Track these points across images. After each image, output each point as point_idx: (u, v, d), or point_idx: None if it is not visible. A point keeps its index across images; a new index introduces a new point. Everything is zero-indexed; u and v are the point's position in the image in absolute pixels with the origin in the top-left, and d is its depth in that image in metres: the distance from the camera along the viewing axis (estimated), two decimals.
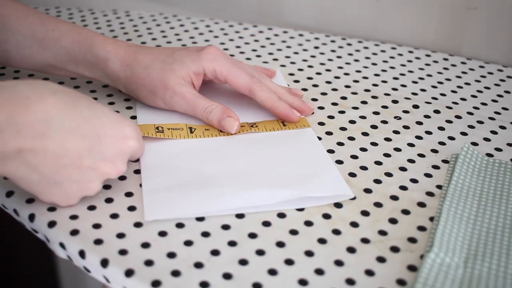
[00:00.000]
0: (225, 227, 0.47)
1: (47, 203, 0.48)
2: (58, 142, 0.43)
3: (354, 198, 0.50)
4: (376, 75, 0.71)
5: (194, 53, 0.59)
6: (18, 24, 0.60)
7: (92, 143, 0.45)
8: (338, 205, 0.49)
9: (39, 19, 0.61)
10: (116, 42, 0.61)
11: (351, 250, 0.45)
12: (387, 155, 0.56)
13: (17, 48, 0.61)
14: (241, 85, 0.59)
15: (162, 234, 0.46)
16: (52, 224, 0.47)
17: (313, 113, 0.62)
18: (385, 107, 0.64)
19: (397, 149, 0.57)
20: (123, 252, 0.44)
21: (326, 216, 0.48)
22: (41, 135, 0.43)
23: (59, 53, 0.61)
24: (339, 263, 0.44)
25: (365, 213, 0.49)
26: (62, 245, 0.46)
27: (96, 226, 0.46)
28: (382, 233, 0.47)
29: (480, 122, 0.62)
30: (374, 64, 0.74)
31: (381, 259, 0.44)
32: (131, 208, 0.48)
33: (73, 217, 0.47)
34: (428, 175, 0.53)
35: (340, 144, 0.57)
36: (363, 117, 0.62)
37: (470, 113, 0.63)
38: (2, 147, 0.42)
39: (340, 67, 0.73)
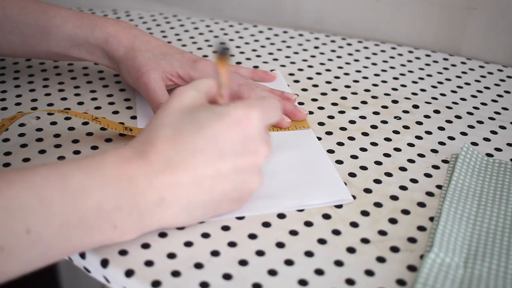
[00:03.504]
0: (225, 228, 0.47)
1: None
2: (189, 168, 0.42)
3: (354, 198, 0.50)
4: (376, 75, 0.71)
5: (187, 62, 0.61)
6: (21, 15, 0.61)
7: (216, 149, 0.42)
8: (338, 205, 0.49)
9: (40, 7, 0.62)
10: (118, 23, 0.62)
11: (351, 250, 0.45)
12: (387, 155, 0.56)
13: (22, 38, 0.62)
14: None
15: (162, 235, 0.46)
16: None
17: (312, 113, 0.62)
18: (385, 107, 0.64)
19: (397, 149, 0.57)
20: (123, 252, 0.44)
21: (326, 217, 0.48)
22: (171, 173, 0.41)
23: (62, 39, 0.62)
24: (339, 263, 0.44)
25: (365, 213, 0.49)
26: None
27: None
28: (382, 233, 0.47)
29: (480, 122, 0.61)
30: (374, 64, 0.74)
31: (381, 259, 0.44)
32: None
33: None
34: (428, 175, 0.53)
35: (340, 144, 0.57)
36: (363, 117, 0.62)
37: (470, 113, 0.63)
38: (144, 201, 0.41)
39: (340, 67, 0.73)
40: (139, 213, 0.41)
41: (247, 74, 0.67)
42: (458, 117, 0.62)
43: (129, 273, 0.42)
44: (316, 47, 0.78)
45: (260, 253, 0.44)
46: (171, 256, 0.44)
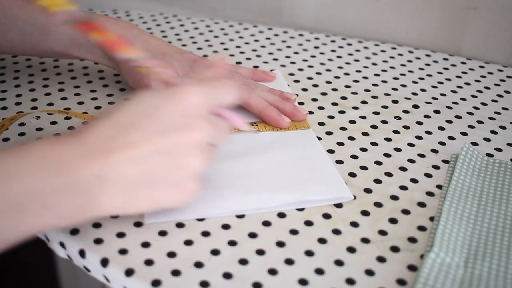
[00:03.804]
0: (225, 226, 0.47)
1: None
2: (127, 145, 0.41)
3: (354, 198, 0.50)
4: (376, 75, 0.71)
5: (187, 62, 0.60)
6: (20, 12, 0.61)
7: (155, 124, 0.41)
8: (338, 205, 0.49)
9: None
10: (117, 23, 0.62)
11: (351, 250, 0.45)
12: (387, 155, 0.56)
13: (21, 36, 0.62)
14: None
15: (162, 233, 0.46)
16: None
17: (313, 113, 0.62)
18: (385, 107, 0.64)
19: (397, 149, 0.57)
20: (123, 251, 0.44)
21: (326, 216, 0.48)
22: (108, 151, 0.40)
23: (62, 38, 0.61)
24: (339, 263, 0.44)
25: (365, 213, 0.49)
26: (62, 245, 0.46)
27: (96, 225, 0.46)
28: (382, 233, 0.47)
29: (480, 122, 0.62)
30: (374, 64, 0.74)
31: (381, 259, 0.44)
32: None
33: None
34: (428, 175, 0.53)
35: (340, 144, 0.57)
36: (363, 117, 0.62)
37: (470, 113, 0.63)
38: (80, 180, 0.39)
39: (340, 67, 0.73)
40: (76, 193, 0.39)
41: (247, 74, 0.66)
42: (458, 117, 0.62)
43: (129, 272, 0.42)
44: (316, 47, 0.78)
45: (260, 252, 0.44)
46: (171, 255, 0.44)
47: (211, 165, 0.45)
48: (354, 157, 0.55)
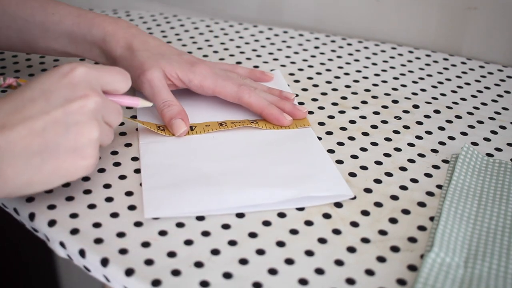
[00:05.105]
0: (225, 226, 0.47)
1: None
2: (19, 119, 0.42)
3: (354, 198, 0.50)
4: (376, 75, 0.71)
5: (185, 65, 0.60)
6: (18, 10, 0.61)
7: (44, 98, 0.44)
8: (338, 205, 0.49)
9: (38, 3, 0.61)
10: (116, 22, 0.62)
11: (351, 250, 0.45)
12: (387, 155, 0.56)
13: (19, 34, 0.62)
14: (229, 95, 0.60)
15: (162, 233, 0.46)
16: (52, 223, 0.47)
17: (313, 112, 0.62)
18: (385, 107, 0.64)
19: (397, 149, 0.57)
20: (123, 251, 0.44)
21: (326, 216, 0.48)
22: (8, 125, 0.42)
23: (60, 36, 0.61)
24: (339, 262, 0.44)
25: (365, 213, 0.49)
26: (62, 244, 0.46)
27: (96, 225, 0.46)
28: (382, 233, 0.47)
29: (480, 122, 0.62)
30: (374, 64, 0.74)
31: (381, 259, 0.44)
32: (131, 207, 0.48)
33: (73, 216, 0.47)
34: (428, 175, 0.53)
35: (340, 144, 0.57)
36: (363, 117, 0.62)
37: (470, 113, 0.63)
38: None
39: (340, 67, 0.73)
40: None
41: (244, 74, 0.66)
42: (458, 117, 0.62)
43: (129, 272, 0.42)
44: (316, 47, 0.78)
45: (260, 252, 0.44)
46: (171, 255, 0.44)
47: (110, 143, 0.49)
48: (354, 157, 0.55)
